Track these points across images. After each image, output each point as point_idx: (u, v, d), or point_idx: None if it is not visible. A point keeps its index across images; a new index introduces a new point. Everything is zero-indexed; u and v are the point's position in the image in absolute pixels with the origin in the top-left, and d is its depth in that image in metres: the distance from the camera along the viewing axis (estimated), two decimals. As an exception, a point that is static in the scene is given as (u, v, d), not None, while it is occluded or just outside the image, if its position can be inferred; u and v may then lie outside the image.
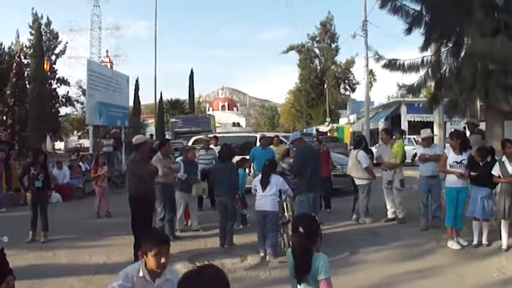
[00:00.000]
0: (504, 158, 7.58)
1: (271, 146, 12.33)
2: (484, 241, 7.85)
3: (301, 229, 3.49)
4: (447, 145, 8.84)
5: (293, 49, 65.33)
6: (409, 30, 11.17)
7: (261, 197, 7.76)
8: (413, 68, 11.22)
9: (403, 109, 33.81)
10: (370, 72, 44.11)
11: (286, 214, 7.87)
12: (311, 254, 3.45)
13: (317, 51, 66.62)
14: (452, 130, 8.85)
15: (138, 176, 7.64)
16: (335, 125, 52.65)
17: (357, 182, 10.42)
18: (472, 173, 7.79)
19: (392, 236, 8.82)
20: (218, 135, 16.87)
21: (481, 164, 7.84)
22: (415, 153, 10.16)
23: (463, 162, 7.93)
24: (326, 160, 11.39)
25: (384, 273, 6.63)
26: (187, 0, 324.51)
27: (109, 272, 6.95)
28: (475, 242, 7.88)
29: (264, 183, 7.77)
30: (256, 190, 7.95)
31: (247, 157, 11.37)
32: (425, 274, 6.54)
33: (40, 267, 7.44)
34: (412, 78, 11.75)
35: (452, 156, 8.05)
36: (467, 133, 10.79)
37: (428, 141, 9.57)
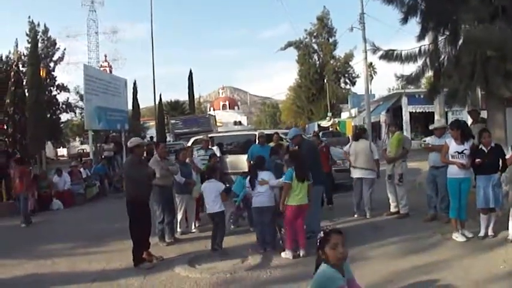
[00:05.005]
0: None
1: (271, 144, 12.18)
2: (490, 232, 7.70)
3: None
4: (448, 135, 8.67)
5: (291, 45, 65.31)
6: (405, 20, 10.97)
7: (257, 193, 7.93)
8: (411, 58, 11.01)
9: (404, 101, 33.57)
10: (370, 65, 44.04)
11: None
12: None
13: (315, 46, 66.55)
14: (453, 120, 8.68)
15: (135, 179, 7.52)
16: (337, 120, 52.53)
17: (365, 175, 10.27)
18: (477, 161, 7.61)
19: (396, 230, 8.67)
20: (216, 135, 16.83)
21: (486, 151, 7.67)
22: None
23: (464, 152, 7.77)
24: (326, 155, 11.26)
25: (389, 268, 6.49)
26: (184, 2, 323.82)
27: (107, 279, 6.87)
28: (482, 233, 7.71)
29: (252, 184, 8.03)
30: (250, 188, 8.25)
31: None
32: (430, 269, 6.38)
33: (39, 276, 7.33)
34: (411, 69, 11.60)
35: (453, 147, 7.90)
36: (469, 122, 10.64)
37: (440, 131, 9.40)
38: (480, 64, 9.54)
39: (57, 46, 38.54)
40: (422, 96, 29.84)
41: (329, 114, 54.81)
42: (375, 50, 11.41)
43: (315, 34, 65.72)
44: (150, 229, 7.80)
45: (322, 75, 64.45)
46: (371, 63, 54.28)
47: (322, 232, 3.71)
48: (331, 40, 65.38)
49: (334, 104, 62.09)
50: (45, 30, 37.38)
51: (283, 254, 7.41)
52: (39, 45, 33.14)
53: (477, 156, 7.67)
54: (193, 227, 9.89)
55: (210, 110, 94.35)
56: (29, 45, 31.18)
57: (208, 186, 8.18)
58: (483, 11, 8.95)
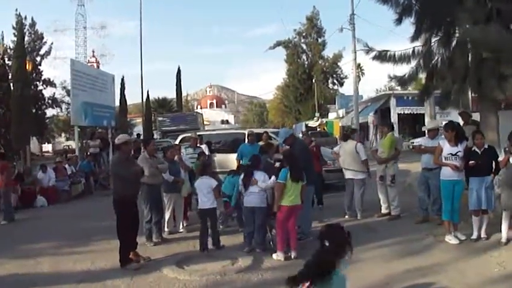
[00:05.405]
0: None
1: (260, 143, 12.04)
2: (483, 234, 7.64)
3: (326, 243, 3.47)
4: (442, 137, 8.59)
5: (280, 45, 65.26)
6: (399, 21, 10.89)
7: (249, 193, 7.78)
8: (404, 59, 10.92)
9: (393, 102, 33.69)
10: (358, 66, 44.03)
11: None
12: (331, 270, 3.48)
13: (304, 46, 66.52)
14: (446, 122, 8.58)
15: (123, 177, 7.31)
16: (324, 120, 52.51)
17: (355, 176, 10.15)
18: (470, 163, 7.52)
19: (388, 232, 8.57)
20: (205, 133, 16.68)
21: (479, 152, 7.59)
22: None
23: (458, 154, 7.68)
24: (316, 155, 11.13)
25: (384, 271, 6.37)
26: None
27: (93, 280, 6.65)
28: (475, 235, 7.65)
29: (246, 184, 7.84)
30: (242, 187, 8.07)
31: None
32: (425, 271, 6.28)
33: (21, 276, 7.09)
34: (402, 70, 11.52)
35: (447, 148, 7.80)
36: (461, 124, 10.57)
37: (434, 133, 9.34)
38: (474, 66, 9.48)
39: (44, 40, 38.06)
40: (410, 98, 29.96)
41: (317, 114, 54.77)
42: (368, 50, 11.31)
43: (304, 34, 65.68)
44: (138, 229, 7.60)
45: (310, 75, 64.35)
46: (359, 64, 54.42)
47: (347, 232, 3.61)
48: (320, 40, 65.35)
49: (321, 105, 62.07)
50: (33, 24, 36.85)
51: (274, 256, 7.25)
52: (26, 38, 32.65)
53: (470, 158, 7.58)
54: (181, 226, 9.69)
55: (197, 108, 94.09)
56: (15, 39, 30.81)
57: (201, 182, 8.16)
58: (479, 12, 8.87)
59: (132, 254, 7.30)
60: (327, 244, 3.49)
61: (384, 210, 10.08)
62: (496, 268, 6.33)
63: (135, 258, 7.30)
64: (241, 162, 11.29)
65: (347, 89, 67.26)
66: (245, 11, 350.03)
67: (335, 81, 68.06)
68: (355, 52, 27.76)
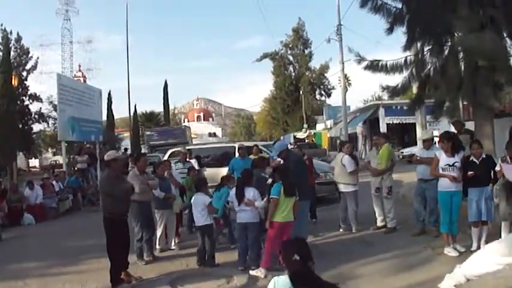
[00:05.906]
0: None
1: (251, 156, 11.87)
2: (483, 246, 7.44)
3: (297, 256, 3.16)
4: (436, 147, 8.46)
5: (267, 57, 65.51)
6: (390, 30, 10.82)
7: (241, 209, 7.57)
8: (396, 68, 10.85)
9: (381, 112, 33.61)
10: (345, 77, 44.20)
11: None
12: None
13: (291, 57, 66.79)
14: (442, 132, 8.44)
15: (112, 195, 7.08)
16: (312, 131, 52.54)
17: (344, 189, 9.96)
18: (469, 173, 7.39)
19: (385, 246, 8.38)
20: (194, 147, 16.47)
21: (477, 162, 7.47)
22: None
23: (455, 164, 7.53)
24: (310, 168, 10.96)
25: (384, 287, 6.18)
26: (159, 12, 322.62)
27: (83, 303, 6.41)
28: (474, 247, 7.47)
29: (239, 198, 7.57)
30: (233, 202, 7.86)
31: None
32: (425, 286, 6.12)
33: (8, 300, 6.82)
34: (392, 80, 11.45)
35: (444, 159, 7.65)
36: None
37: (429, 143, 9.12)
38: (468, 74, 9.41)
39: (30, 55, 37.85)
40: (399, 108, 29.96)
41: (305, 125, 54.85)
42: (360, 60, 11.21)
43: (290, 45, 65.95)
44: (129, 247, 7.35)
45: (297, 86, 64.58)
46: (346, 75, 54.65)
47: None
48: (306, 51, 65.71)
49: (309, 116, 62.16)
50: (18, 39, 36.66)
51: (253, 272, 7.06)
52: (12, 53, 32.44)
53: (468, 168, 7.46)
54: (173, 243, 9.43)
55: (184, 121, 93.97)
56: (0, 54, 30.56)
57: (196, 199, 8.09)
58: (473, 20, 8.81)
59: (124, 274, 7.05)
60: (297, 258, 3.22)
61: (379, 223, 9.88)
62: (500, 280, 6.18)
63: (127, 278, 7.05)
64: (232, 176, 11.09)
65: (334, 99, 67.61)
66: (231, 23, 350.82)
67: (322, 92, 68.41)
68: (343, 63, 27.77)
